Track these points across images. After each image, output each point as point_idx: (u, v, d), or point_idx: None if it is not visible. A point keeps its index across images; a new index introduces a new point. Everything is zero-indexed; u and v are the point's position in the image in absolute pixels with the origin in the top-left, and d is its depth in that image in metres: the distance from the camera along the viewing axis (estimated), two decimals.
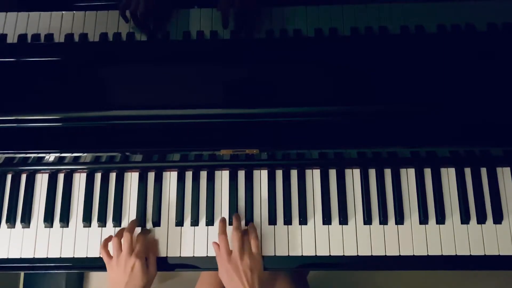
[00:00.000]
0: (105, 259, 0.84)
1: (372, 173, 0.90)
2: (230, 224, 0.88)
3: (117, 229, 0.89)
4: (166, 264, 0.88)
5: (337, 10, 0.86)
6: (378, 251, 0.86)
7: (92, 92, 0.82)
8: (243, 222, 0.89)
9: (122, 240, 0.83)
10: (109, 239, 0.87)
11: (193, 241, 0.88)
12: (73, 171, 0.92)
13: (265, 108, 0.80)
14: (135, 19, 0.86)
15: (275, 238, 0.88)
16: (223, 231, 0.84)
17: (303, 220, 0.88)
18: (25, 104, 0.81)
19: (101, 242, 0.87)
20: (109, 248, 0.86)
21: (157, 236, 0.89)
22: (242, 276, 0.78)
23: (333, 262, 0.86)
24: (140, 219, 0.89)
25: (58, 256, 0.88)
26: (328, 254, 0.86)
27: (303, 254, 0.86)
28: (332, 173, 0.91)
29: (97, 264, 0.88)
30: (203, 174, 0.92)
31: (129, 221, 0.89)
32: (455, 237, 0.87)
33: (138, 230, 0.89)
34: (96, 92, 0.82)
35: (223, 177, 0.91)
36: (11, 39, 0.87)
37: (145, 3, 0.85)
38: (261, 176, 0.91)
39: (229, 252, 0.81)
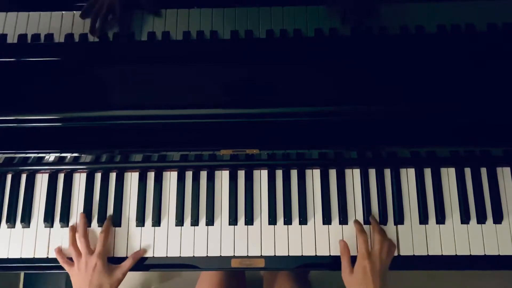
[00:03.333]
0: (66, 267, 0.84)
1: (372, 173, 0.90)
2: (231, 224, 0.88)
3: (117, 229, 0.89)
4: (166, 264, 0.88)
5: (337, 10, 0.86)
6: None
7: (92, 92, 0.82)
8: (242, 222, 0.89)
9: (78, 244, 0.84)
10: (59, 248, 0.87)
11: (193, 241, 0.88)
12: (73, 171, 0.92)
13: (265, 108, 0.80)
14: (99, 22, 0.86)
15: (275, 238, 0.88)
16: (362, 230, 0.84)
17: (303, 220, 0.88)
18: (25, 104, 0.81)
19: (55, 252, 0.86)
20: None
21: (157, 236, 0.89)
22: (377, 277, 0.78)
23: (333, 262, 0.86)
24: (139, 218, 0.89)
25: None
26: (328, 254, 0.86)
27: (303, 254, 0.86)
28: (332, 173, 0.91)
29: None
30: (203, 174, 0.92)
31: (78, 222, 0.88)
32: (455, 237, 0.87)
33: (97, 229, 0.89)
34: (96, 92, 0.82)
35: (223, 177, 0.91)
36: (11, 39, 0.87)
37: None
38: (261, 176, 0.91)
39: (369, 252, 0.81)
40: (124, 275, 0.84)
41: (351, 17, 0.84)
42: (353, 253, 0.84)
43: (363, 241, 0.81)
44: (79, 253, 0.84)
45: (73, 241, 0.86)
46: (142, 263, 0.88)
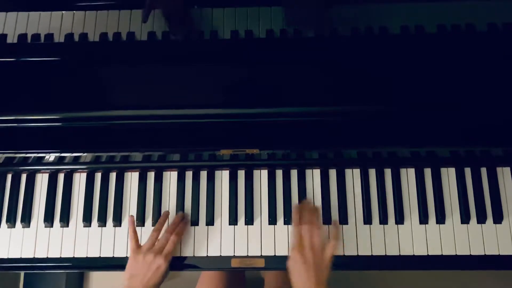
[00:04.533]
0: (132, 246, 0.82)
1: (372, 173, 0.91)
2: (231, 223, 0.89)
3: (117, 229, 0.89)
4: None
5: (337, 10, 0.86)
6: (378, 251, 0.86)
7: (92, 92, 0.82)
8: (242, 222, 0.89)
9: (160, 238, 0.83)
10: (134, 223, 0.85)
11: (193, 241, 0.88)
12: (73, 171, 0.92)
13: (265, 108, 0.80)
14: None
15: (275, 238, 0.88)
16: (296, 221, 0.80)
17: None
18: (25, 104, 0.81)
19: (130, 231, 0.85)
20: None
21: None
22: (311, 269, 0.74)
23: (333, 262, 0.86)
24: (140, 218, 0.89)
25: (58, 256, 0.88)
26: None
27: None
28: (332, 173, 0.91)
29: (97, 264, 0.88)
30: (203, 174, 0.92)
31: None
32: (455, 237, 0.87)
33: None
34: (96, 92, 0.82)
35: (223, 177, 0.91)
36: (11, 39, 0.87)
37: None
38: (261, 176, 0.91)
39: (300, 243, 0.77)
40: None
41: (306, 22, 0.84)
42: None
43: (295, 233, 0.79)
44: (153, 244, 0.82)
45: (157, 231, 0.84)
46: None
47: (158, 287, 0.82)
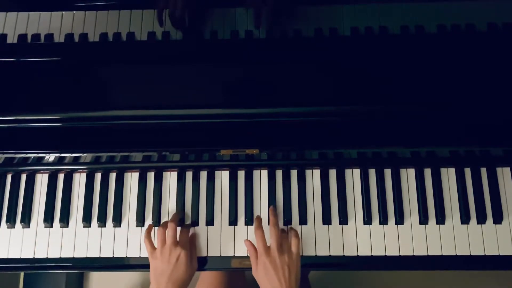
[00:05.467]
0: (148, 250, 0.83)
1: (372, 173, 0.90)
2: (231, 224, 0.89)
3: (117, 229, 0.89)
4: None
5: (337, 10, 0.86)
6: (378, 251, 0.86)
7: (92, 92, 0.82)
8: (242, 222, 0.89)
9: (167, 231, 0.83)
10: (150, 229, 0.86)
11: (193, 241, 0.88)
12: (73, 171, 0.92)
13: (265, 108, 0.80)
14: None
15: None
16: (259, 226, 0.82)
17: (303, 220, 0.88)
18: (25, 104, 0.81)
19: (144, 233, 0.86)
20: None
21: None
22: (279, 272, 0.76)
23: (333, 262, 0.86)
24: (139, 218, 0.89)
25: (58, 256, 0.88)
26: (328, 254, 0.86)
27: (303, 254, 0.86)
28: (332, 173, 0.91)
29: (97, 264, 0.88)
30: (203, 174, 0.92)
31: (175, 211, 0.88)
32: (455, 237, 0.87)
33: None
34: (96, 92, 0.82)
35: (223, 177, 0.91)
36: (11, 39, 0.87)
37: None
38: (261, 176, 0.91)
39: (267, 248, 0.79)
40: (197, 264, 0.84)
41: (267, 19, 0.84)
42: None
43: (259, 237, 0.80)
44: (164, 238, 0.82)
45: (163, 227, 0.84)
46: (142, 263, 0.87)
47: (190, 279, 0.82)
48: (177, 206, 0.90)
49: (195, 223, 0.89)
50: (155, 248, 0.83)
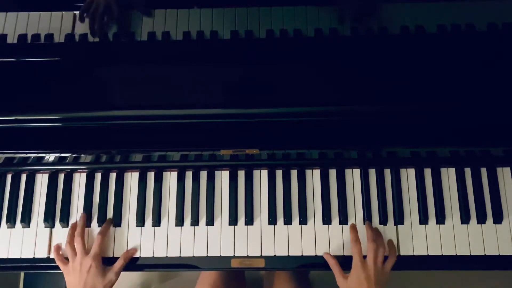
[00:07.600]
0: (61, 266, 0.85)
1: (372, 173, 0.90)
2: (231, 224, 0.89)
3: (118, 229, 0.89)
4: (166, 264, 0.88)
5: (337, 10, 0.86)
6: None
7: (92, 92, 0.82)
8: (242, 222, 0.89)
9: (75, 244, 0.84)
10: (59, 245, 0.87)
11: (193, 241, 0.88)
12: (73, 171, 0.92)
13: (265, 108, 0.80)
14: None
15: (275, 238, 0.88)
16: (357, 240, 0.83)
17: (303, 220, 0.88)
18: (25, 104, 0.81)
19: (52, 249, 0.87)
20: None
21: (157, 236, 0.88)
22: (372, 285, 0.78)
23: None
24: (139, 218, 0.89)
25: None
26: None
27: (303, 254, 0.86)
28: (332, 173, 0.91)
29: None
30: (203, 174, 0.92)
31: (78, 221, 0.88)
32: (455, 237, 0.87)
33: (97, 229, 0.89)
34: (96, 92, 0.82)
35: (223, 177, 0.91)
36: (11, 39, 0.87)
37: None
38: (261, 176, 0.91)
39: (364, 261, 0.80)
40: (117, 276, 0.84)
41: (352, 17, 0.84)
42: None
43: (356, 251, 0.81)
44: (74, 253, 0.84)
45: (71, 240, 0.86)
46: (142, 263, 0.88)
47: (111, 285, 0.83)
48: (84, 209, 0.90)
49: (195, 223, 0.89)
50: (67, 263, 0.84)
